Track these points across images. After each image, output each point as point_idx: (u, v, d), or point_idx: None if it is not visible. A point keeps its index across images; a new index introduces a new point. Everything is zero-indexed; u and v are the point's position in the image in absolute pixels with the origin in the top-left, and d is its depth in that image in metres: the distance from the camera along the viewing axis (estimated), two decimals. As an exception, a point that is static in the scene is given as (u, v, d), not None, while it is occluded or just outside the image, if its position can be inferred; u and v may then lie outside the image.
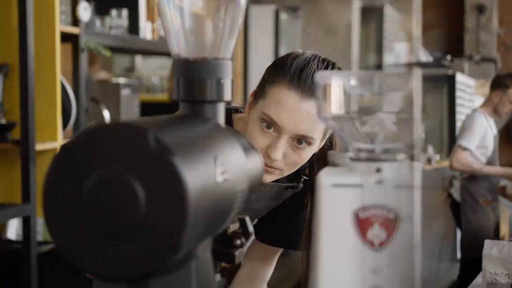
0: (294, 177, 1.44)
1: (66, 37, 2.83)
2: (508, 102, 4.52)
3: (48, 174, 0.62)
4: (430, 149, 6.53)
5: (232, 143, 0.75)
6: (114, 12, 3.26)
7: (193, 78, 0.76)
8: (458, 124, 7.68)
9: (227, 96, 0.78)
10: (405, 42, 6.11)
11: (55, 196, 0.62)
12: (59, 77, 2.67)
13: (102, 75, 4.98)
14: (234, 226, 0.86)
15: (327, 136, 1.33)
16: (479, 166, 4.49)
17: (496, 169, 4.67)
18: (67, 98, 2.75)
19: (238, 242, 0.85)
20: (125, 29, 3.32)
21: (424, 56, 6.41)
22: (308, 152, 1.29)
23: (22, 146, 2.49)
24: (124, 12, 3.30)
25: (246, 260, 1.56)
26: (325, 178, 0.68)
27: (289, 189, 1.45)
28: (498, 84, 4.54)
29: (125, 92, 3.28)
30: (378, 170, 0.68)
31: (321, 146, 1.33)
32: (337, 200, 0.68)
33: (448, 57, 6.95)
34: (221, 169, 0.68)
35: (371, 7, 7.20)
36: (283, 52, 4.95)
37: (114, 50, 3.56)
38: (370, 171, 0.68)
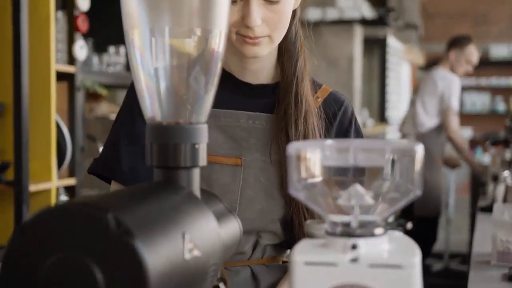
0: None
1: (63, 76, 2.82)
2: (465, 61, 4.60)
3: (4, 256, 0.59)
4: (365, 113, 6.44)
5: (204, 213, 0.72)
6: (112, 49, 3.26)
7: (167, 143, 0.73)
8: (388, 88, 7.68)
9: (202, 161, 0.75)
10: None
11: (11, 280, 0.59)
12: (54, 116, 2.65)
13: (104, 107, 4.97)
14: (210, 296, 0.83)
15: None
16: (467, 149, 4.55)
17: (474, 161, 4.76)
18: (62, 137, 2.73)
19: (216, 311, 0.82)
20: (123, 66, 3.31)
21: (368, 12, 6.15)
22: (286, 5, 1.21)
23: (16, 187, 2.46)
24: (122, 49, 3.30)
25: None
26: (299, 255, 0.65)
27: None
28: (455, 43, 4.63)
29: (122, 129, 3.25)
30: (354, 247, 0.65)
31: None
32: (311, 279, 0.64)
33: (392, 14, 6.79)
34: (190, 245, 0.65)
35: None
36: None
37: (112, 86, 3.55)
38: (345, 248, 0.65)
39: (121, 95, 6.00)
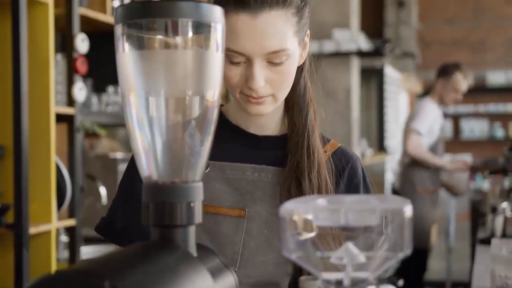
0: None
1: (62, 117, 2.84)
2: (452, 90, 4.58)
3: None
4: (364, 143, 6.43)
5: (200, 272, 0.73)
6: (110, 88, 3.29)
7: (163, 202, 0.75)
8: (386, 117, 7.69)
9: (198, 219, 0.77)
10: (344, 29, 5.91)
11: None
12: (54, 158, 2.67)
13: (105, 143, 4.99)
14: None
15: (304, 37, 1.24)
16: (430, 157, 4.50)
17: (445, 162, 4.69)
18: (62, 179, 2.74)
19: None
20: (122, 105, 3.34)
21: (364, 44, 6.18)
22: (290, 66, 1.20)
23: (16, 230, 2.47)
24: (121, 88, 3.32)
25: None
26: (293, 314, 0.67)
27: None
28: (442, 72, 4.62)
29: (122, 167, 3.28)
30: (347, 305, 0.66)
31: (303, 55, 1.26)
32: (305, 338, 0.66)
33: (389, 45, 6.80)
34: (186, 307, 0.66)
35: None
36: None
37: (111, 125, 3.58)
38: (338, 306, 0.66)
39: (120, 132, 6.03)
